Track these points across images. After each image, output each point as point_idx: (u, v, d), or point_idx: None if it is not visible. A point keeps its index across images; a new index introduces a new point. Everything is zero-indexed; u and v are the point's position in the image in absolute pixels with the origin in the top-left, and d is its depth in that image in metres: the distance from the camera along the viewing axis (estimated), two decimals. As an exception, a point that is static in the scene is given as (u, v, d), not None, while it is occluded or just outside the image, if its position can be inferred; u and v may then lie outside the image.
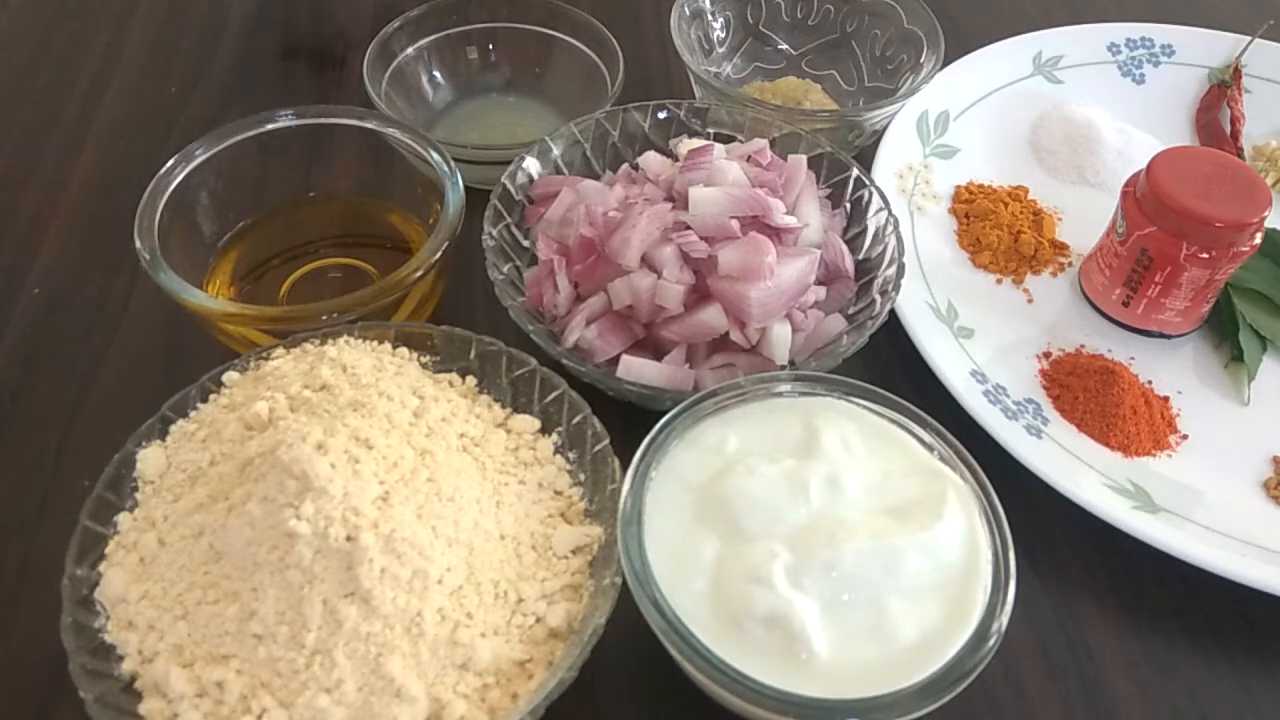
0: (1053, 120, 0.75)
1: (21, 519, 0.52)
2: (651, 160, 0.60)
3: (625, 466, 0.45)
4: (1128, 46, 0.80)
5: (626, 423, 0.49)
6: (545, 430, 0.51)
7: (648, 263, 0.54)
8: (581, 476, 0.49)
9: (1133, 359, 0.62)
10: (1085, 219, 0.68)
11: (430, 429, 0.47)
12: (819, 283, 0.57)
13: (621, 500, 0.43)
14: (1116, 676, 0.50)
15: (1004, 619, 0.40)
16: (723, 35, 0.77)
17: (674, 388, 0.53)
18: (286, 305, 0.60)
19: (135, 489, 0.46)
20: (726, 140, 0.62)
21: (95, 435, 0.56)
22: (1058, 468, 0.54)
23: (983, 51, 0.77)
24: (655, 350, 0.55)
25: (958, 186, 0.71)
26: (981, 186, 0.70)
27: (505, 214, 0.59)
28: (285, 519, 0.41)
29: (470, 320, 0.60)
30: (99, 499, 0.45)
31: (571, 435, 0.50)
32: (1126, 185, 0.62)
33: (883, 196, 0.60)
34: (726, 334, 0.53)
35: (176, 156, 0.58)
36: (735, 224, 0.54)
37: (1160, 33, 0.80)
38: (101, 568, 0.44)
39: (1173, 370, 0.62)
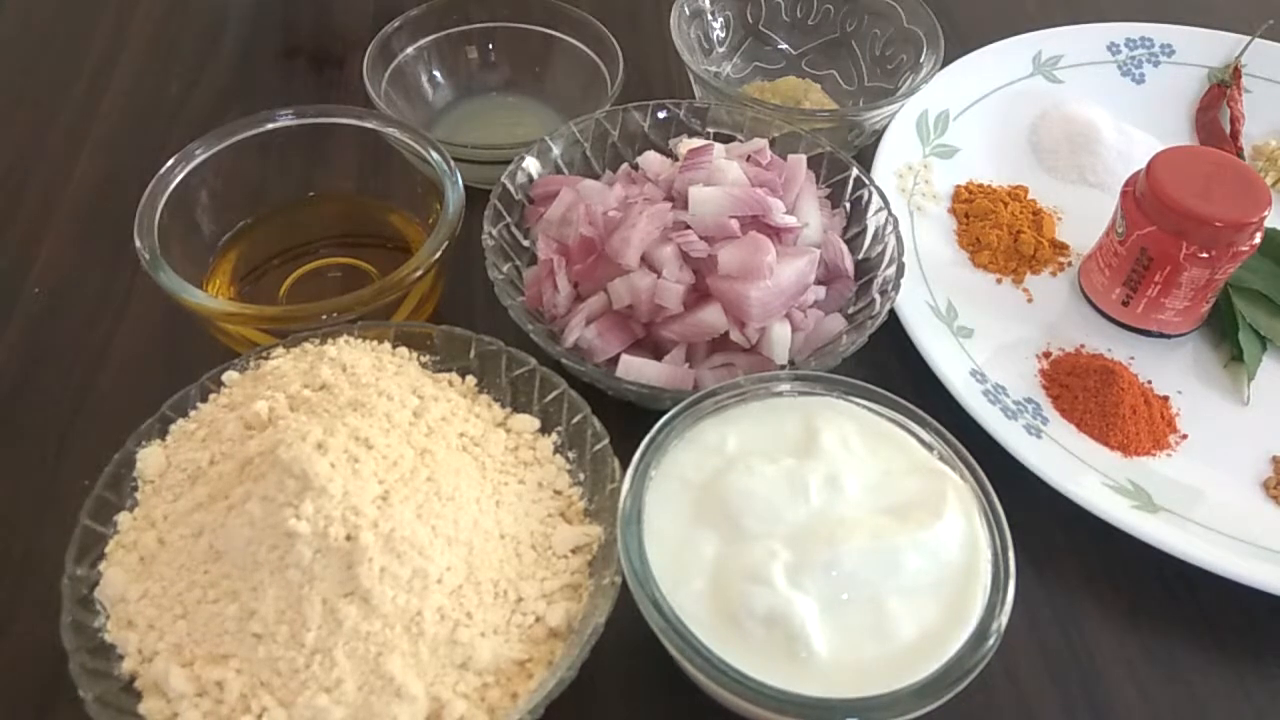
0: (1053, 120, 0.75)
1: (21, 518, 0.52)
2: (651, 160, 0.60)
3: (625, 466, 0.45)
4: (1127, 46, 0.80)
5: (626, 423, 0.49)
6: (545, 430, 0.51)
7: (648, 262, 0.54)
8: (581, 476, 0.49)
9: (1132, 359, 0.62)
10: (1085, 219, 0.68)
11: (430, 428, 0.47)
12: (819, 282, 0.57)
13: (621, 500, 0.43)
14: (1116, 676, 0.50)
15: (1003, 618, 0.40)
16: (723, 35, 0.77)
17: (674, 387, 0.53)
18: (286, 305, 0.60)
19: (135, 488, 0.47)
20: (726, 140, 0.62)
21: (95, 435, 0.56)
22: (1058, 467, 0.54)
23: (983, 51, 0.77)
24: (655, 350, 0.55)
25: (958, 186, 0.71)
26: (981, 186, 0.70)
27: (505, 214, 0.59)
28: (285, 518, 0.41)
29: (470, 320, 0.60)
30: (99, 498, 0.45)
31: (571, 435, 0.50)
32: (1126, 185, 0.62)
33: (882, 196, 0.60)
34: (726, 333, 0.53)
35: (176, 156, 0.58)
36: (735, 224, 0.54)
37: (1160, 32, 0.80)
38: (101, 567, 0.44)
39: (1172, 370, 0.62)
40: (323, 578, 0.41)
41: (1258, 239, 0.58)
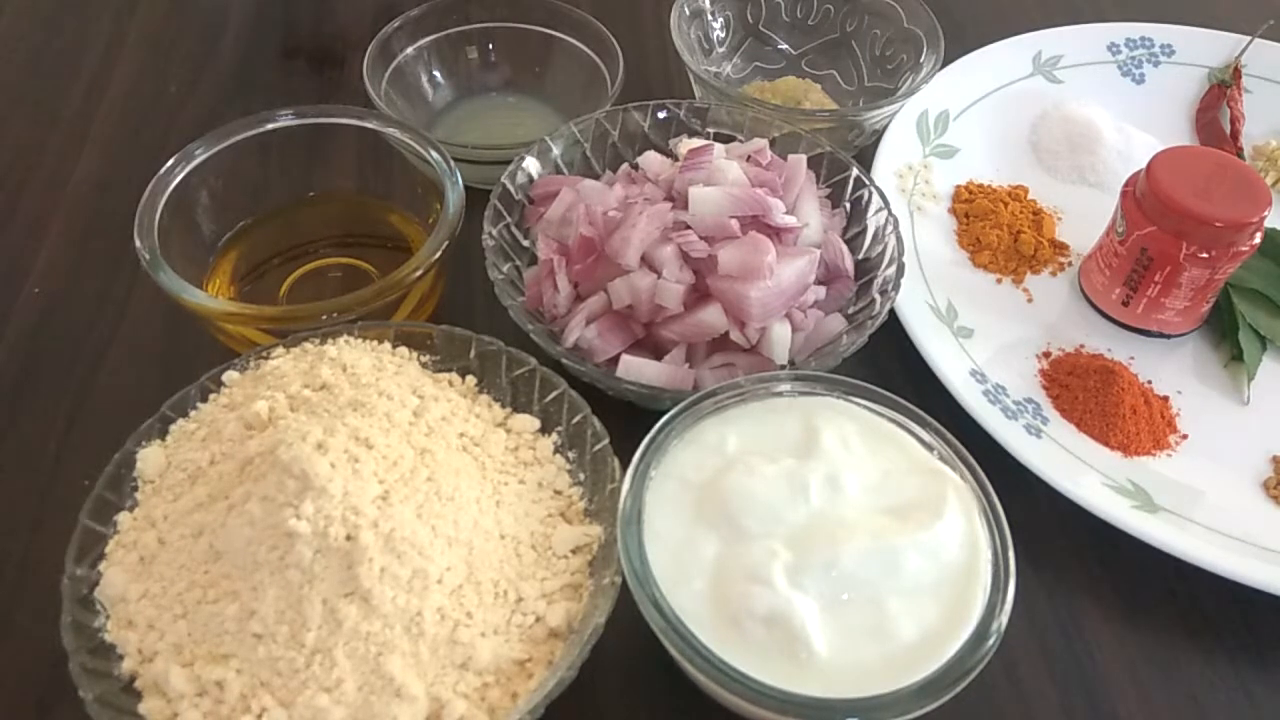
0: (1053, 120, 0.75)
1: (21, 518, 0.52)
2: (651, 160, 0.60)
3: (625, 466, 0.45)
4: (1127, 46, 0.80)
5: (626, 423, 0.49)
6: (545, 430, 0.51)
7: (648, 262, 0.54)
8: (581, 476, 0.49)
9: (1132, 359, 0.62)
10: (1085, 219, 0.68)
11: (430, 428, 0.47)
12: (819, 282, 0.57)
13: (621, 500, 0.43)
14: (1116, 676, 0.50)
15: (1003, 618, 0.40)
16: (723, 35, 0.77)
17: (674, 387, 0.53)
18: (286, 305, 0.60)
19: (135, 488, 0.47)
20: (726, 140, 0.62)
21: (95, 435, 0.56)
22: (1058, 467, 0.54)
23: (983, 51, 0.77)
24: (655, 350, 0.55)
25: (958, 186, 0.71)
26: (981, 186, 0.70)
27: (505, 214, 0.59)
28: (285, 518, 0.41)
29: (470, 320, 0.60)
30: (99, 498, 0.45)
31: (571, 435, 0.50)
32: (1126, 185, 0.62)
33: (882, 196, 0.60)
34: (726, 334, 0.53)
35: (176, 156, 0.58)
36: (735, 224, 0.54)
37: (1160, 32, 0.80)
38: (101, 567, 0.44)
39: (1172, 370, 0.62)
40: (323, 578, 0.41)
41: (1258, 239, 0.58)
